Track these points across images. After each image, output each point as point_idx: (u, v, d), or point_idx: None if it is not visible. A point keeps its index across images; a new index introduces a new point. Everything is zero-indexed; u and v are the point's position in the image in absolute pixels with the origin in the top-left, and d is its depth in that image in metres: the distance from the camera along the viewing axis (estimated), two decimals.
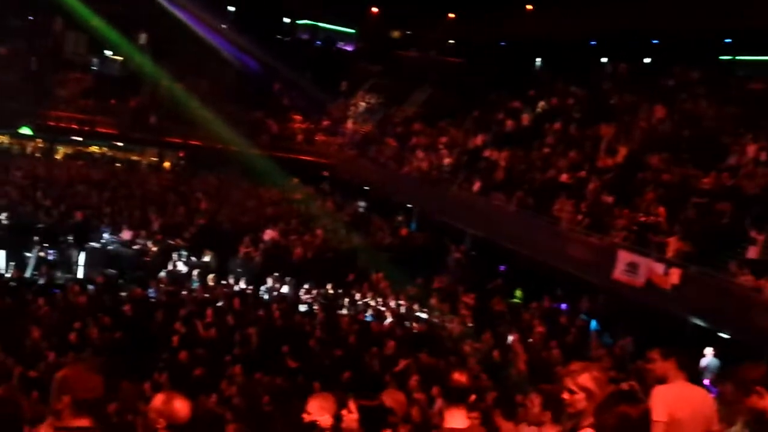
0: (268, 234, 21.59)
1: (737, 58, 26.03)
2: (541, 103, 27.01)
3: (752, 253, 14.45)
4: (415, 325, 16.44)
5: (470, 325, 16.39)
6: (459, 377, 4.10)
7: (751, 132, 18.95)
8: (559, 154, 22.82)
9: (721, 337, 14.08)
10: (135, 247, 19.64)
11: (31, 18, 33.88)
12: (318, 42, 40.79)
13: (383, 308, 17.29)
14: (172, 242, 20.25)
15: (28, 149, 32.33)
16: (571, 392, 2.89)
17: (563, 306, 18.00)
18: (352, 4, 35.15)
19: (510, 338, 15.24)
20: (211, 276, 17.71)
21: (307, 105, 34.32)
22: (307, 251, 21.21)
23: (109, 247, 19.35)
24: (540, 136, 24.67)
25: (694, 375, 4.76)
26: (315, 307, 16.92)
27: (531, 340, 15.45)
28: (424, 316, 17.23)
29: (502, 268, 21.11)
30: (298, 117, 34.18)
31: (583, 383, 2.87)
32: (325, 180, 30.17)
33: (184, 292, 16.72)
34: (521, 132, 26.02)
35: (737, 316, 13.55)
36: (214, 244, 20.14)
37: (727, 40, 25.52)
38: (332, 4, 35.73)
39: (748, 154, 18.12)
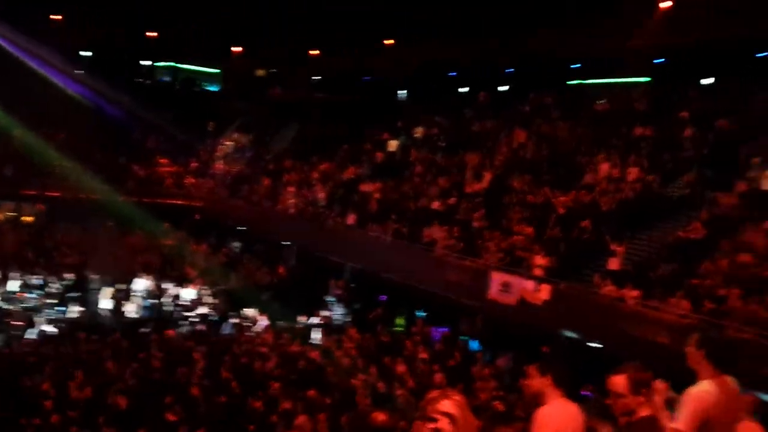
0: (141, 283, 20.84)
1: (585, 81, 27.73)
2: (419, 129, 27.63)
3: (613, 264, 15.36)
4: (300, 362, 16.24)
5: (355, 357, 16.37)
6: (378, 416, 4.03)
7: (602, 150, 20.23)
8: (429, 183, 23.42)
9: (593, 347, 14.74)
10: None
11: None
12: (180, 83, 39.98)
13: (266, 348, 16.99)
14: (36, 299, 19.11)
15: None
16: (433, 420, 2.93)
17: (444, 330, 18.34)
18: (213, 44, 34.72)
19: (395, 367, 15.33)
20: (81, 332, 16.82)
21: (173, 148, 33.43)
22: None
23: None
24: (409, 166, 25.26)
25: (570, 389, 4.88)
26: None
27: (416, 366, 15.62)
28: (308, 353, 17.06)
29: (382, 297, 21.29)
30: (164, 160, 33.21)
31: (443, 409, 2.91)
32: (198, 223, 29.44)
33: (52, 352, 15.75)
34: (391, 163, 26.53)
35: (604, 326, 14.28)
36: (83, 298, 19.19)
37: (575, 66, 27.17)
38: (193, 44, 35.15)
39: (601, 171, 19.30)
